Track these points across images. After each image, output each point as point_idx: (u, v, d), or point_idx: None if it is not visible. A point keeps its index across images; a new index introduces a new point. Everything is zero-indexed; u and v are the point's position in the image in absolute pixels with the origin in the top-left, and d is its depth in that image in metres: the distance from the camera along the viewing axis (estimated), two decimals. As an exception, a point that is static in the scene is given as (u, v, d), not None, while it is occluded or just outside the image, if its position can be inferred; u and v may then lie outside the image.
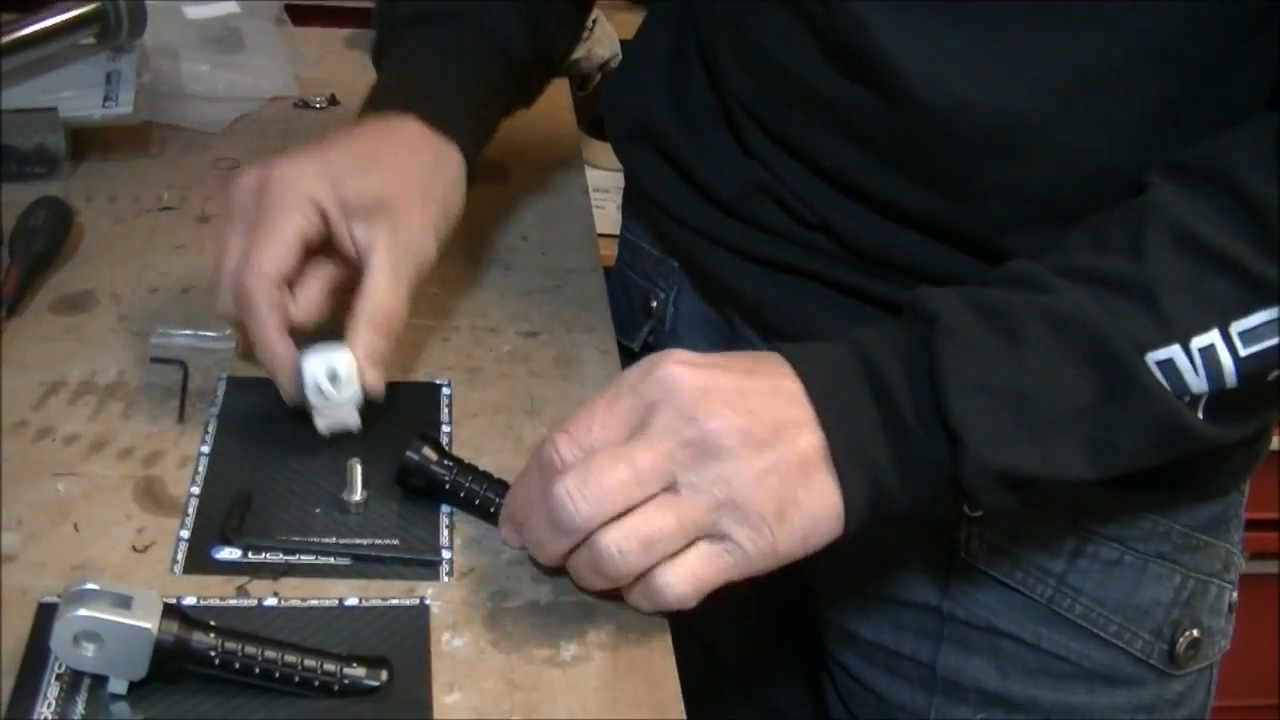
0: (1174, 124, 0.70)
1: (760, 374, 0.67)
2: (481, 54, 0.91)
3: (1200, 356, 0.65)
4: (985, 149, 0.72)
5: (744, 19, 0.80)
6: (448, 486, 0.74)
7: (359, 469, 0.75)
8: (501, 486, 0.74)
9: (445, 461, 0.75)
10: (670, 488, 0.65)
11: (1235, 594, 0.89)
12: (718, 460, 0.64)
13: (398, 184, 0.80)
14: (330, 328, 0.80)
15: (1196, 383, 0.66)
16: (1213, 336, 0.65)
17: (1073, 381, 0.65)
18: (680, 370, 0.66)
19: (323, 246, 0.79)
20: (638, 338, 1.00)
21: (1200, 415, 0.67)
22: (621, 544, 0.64)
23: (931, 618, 0.87)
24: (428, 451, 0.75)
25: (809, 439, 0.66)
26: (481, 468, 0.76)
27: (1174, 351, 0.65)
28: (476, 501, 0.74)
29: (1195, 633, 0.85)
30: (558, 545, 0.67)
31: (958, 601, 0.86)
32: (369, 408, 0.78)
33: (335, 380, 0.76)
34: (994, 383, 0.65)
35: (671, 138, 0.89)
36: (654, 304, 0.98)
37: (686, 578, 0.66)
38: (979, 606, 0.85)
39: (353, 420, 0.78)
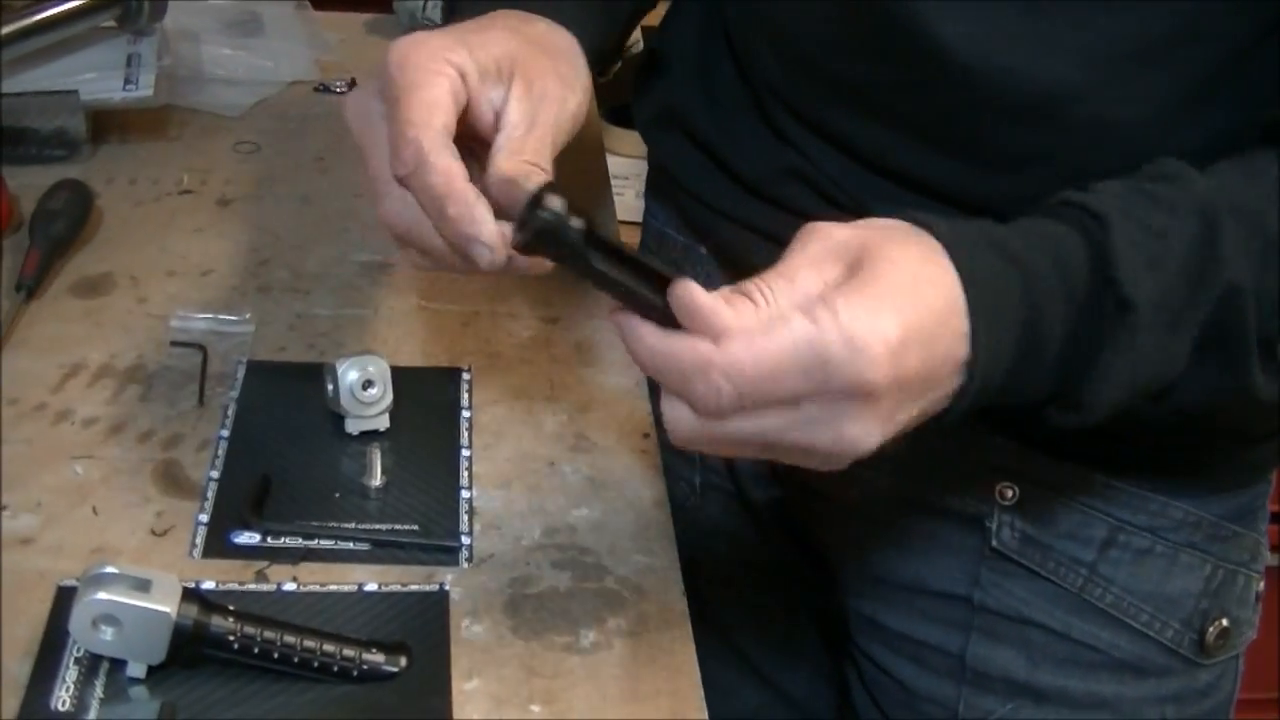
0: (1213, 99, 0.70)
1: (940, 348, 0.59)
2: None
3: None
4: (1026, 118, 0.71)
5: (775, 5, 0.80)
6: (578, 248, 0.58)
7: (379, 454, 0.75)
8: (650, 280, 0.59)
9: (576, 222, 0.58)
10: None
11: (1262, 584, 0.88)
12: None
13: (521, 45, 0.71)
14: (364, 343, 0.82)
15: None
16: None
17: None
18: (881, 371, 0.57)
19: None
20: None
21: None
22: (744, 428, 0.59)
23: (960, 608, 0.86)
24: (553, 202, 0.57)
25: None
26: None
27: None
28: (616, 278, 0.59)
29: (1225, 622, 0.85)
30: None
31: (988, 591, 0.85)
32: (396, 400, 0.78)
33: (370, 387, 0.77)
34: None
35: (700, 123, 0.89)
36: None
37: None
38: (1009, 596, 0.85)
39: (383, 424, 0.78)
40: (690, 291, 0.58)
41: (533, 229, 0.57)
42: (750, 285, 0.59)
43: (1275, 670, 1.86)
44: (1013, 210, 0.73)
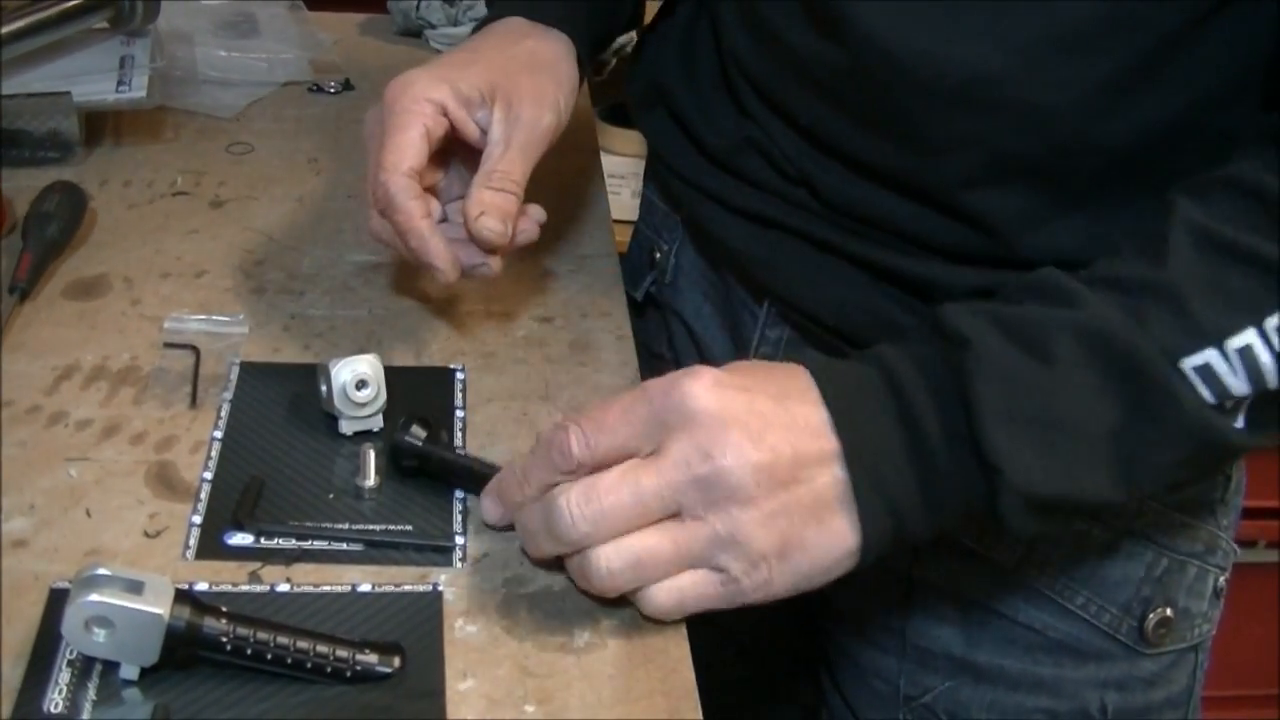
0: (1142, 89, 0.70)
1: (788, 400, 0.65)
2: None
3: (1238, 357, 0.63)
4: (950, 103, 0.72)
5: None
6: (435, 464, 0.75)
7: (372, 455, 0.75)
8: (491, 468, 0.74)
9: (432, 439, 0.75)
10: (674, 514, 0.64)
11: (1223, 579, 0.88)
12: (727, 499, 0.63)
13: (504, 68, 0.85)
14: (358, 344, 0.84)
15: (1237, 384, 0.63)
16: (1249, 336, 0.62)
17: (1105, 400, 0.63)
18: (704, 394, 0.64)
19: (457, 152, 0.86)
20: (641, 287, 1.03)
21: (1241, 423, 0.65)
22: (612, 562, 0.64)
23: (901, 583, 0.87)
24: (416, 429, 0.75)
25: (829, 475, 0.64)
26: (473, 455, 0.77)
27: (1210, 355, 0.63)
28: (465, 476, 0.75)
29: (1168, 612, 0.85)
30: (549, 547, 0.67)
31: (928, 566, 0.86)
32: (390, 400, 0.78)
33: (363, 387, 0.77)
34: (1027, 410, 0.63)
35: (679, 98, 0.92)
36: (658, 255, 1.01)
37: (671, 594, 0.65)
38: (947, 572, 0.85)
39: (376, 424, 0.78)
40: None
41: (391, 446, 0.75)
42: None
43: (1275, 667, 1.87)
44: (945, 191, 0.75)
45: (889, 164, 0.77)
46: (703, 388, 0.64)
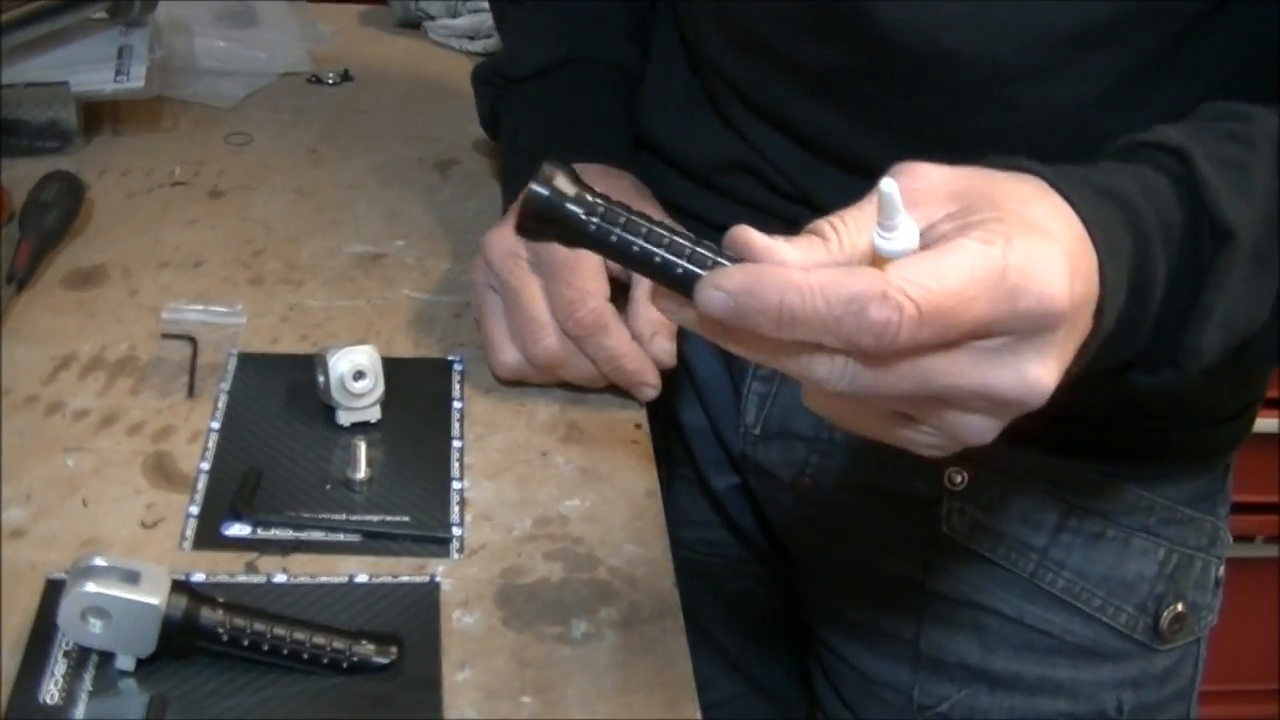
0: (1163, 78, 0.70)
1: (1084, 284, 0.54)
2: (613, 83, 0.93)
3: None
4: (971, 101, 0.72)
5: None
6: (593, 230, 0.53)
7: (363, 447, 0.75)
8: (680, 241, 0.53)
9: (588, 197, 0.53)
10: None
11: (1222, 569, 0.88)
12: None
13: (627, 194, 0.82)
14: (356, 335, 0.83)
15: None
16: None
17: None
18: (1064, 299, 0.51)
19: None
20: None
21: None
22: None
23: (914, 593, 0.87)
24: (561, 183, 0.53)
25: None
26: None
27: None
28: (638, 252, 0.53)
29: (1180, 607, 0.85)
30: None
31: (940, 577, 0.85)
32: (388, 392, 0.78)
33: (361, 378, 0.77)
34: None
35: (650, 122, 0.91)
36: None
37: None
38: (961, 582, 0.85)
39: (374, 415, 0.78)
40: (748, 235, 0.52)
41: (529, 210, 0.53)
42: (822, 223, 0.53)
43: (1276, 661, 1.87)
44: None
45: None
46: (1063, 283, 0.52)
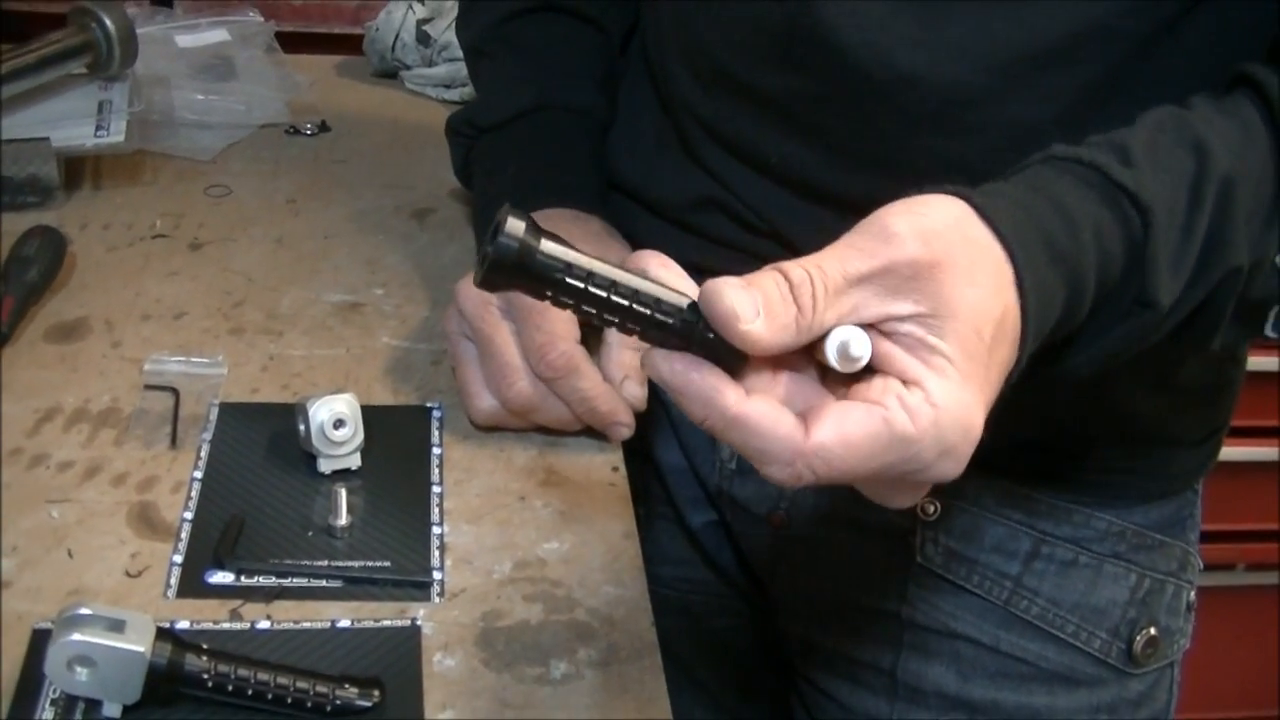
0: (1118, 97, 0.72)
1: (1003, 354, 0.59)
2: (583, 129, 0.94)
3: None
4: (934, 125, 0.73)
5: (693, 22, 0.82)
6: (559, 281, 0.53)
7: (344, 494, 0.76)
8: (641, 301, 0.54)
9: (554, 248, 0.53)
10: None
11: (1193, 594, 0.90)
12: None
13: (596, 241, 0.84)
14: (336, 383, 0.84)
15: None
16: None
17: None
18: (971, 445, 0.57)
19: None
20: None
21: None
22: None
23: (891, 624, 0.88)
24: (526, 236, 0.53)
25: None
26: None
27: None
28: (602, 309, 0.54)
29: (1153, 631, 0.86)
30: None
31: (916, 607, 0.86)
32: (368, 439, 0.79)
33: (341, 426, 0.78)
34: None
35: (622, 165, 0.92)
36: None
37: None
38: (937, 611, 0.86)
39: (354, 463, 0.79)
40: (716, 297, 0.54)
41: (489, 260, 0.53)
42: (800, 278, 0.55)
43: (1253, 688, 1.88)
44: None
45: (867, 195, 0.76)
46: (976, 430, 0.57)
